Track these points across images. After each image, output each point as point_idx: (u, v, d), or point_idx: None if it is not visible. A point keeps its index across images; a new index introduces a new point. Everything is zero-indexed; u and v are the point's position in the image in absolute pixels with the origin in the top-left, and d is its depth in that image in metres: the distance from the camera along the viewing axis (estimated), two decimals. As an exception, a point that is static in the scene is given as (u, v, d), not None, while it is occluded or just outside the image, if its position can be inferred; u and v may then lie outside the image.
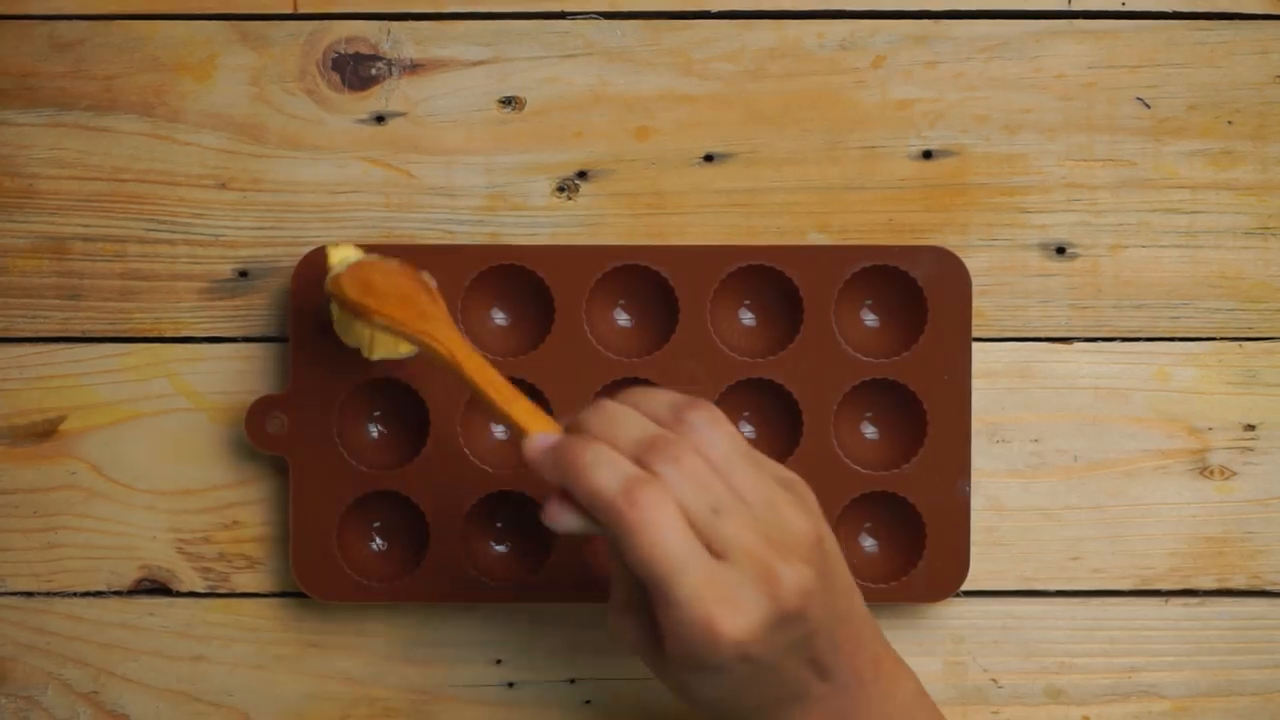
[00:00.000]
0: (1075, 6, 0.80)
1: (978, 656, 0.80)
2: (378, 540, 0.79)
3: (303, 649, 0.81)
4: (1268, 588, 0.80)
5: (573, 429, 0.62)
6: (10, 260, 0.80)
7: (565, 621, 0.80)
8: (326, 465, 0.77)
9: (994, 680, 0.80)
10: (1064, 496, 0.80)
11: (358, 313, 0.69)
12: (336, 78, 0.80)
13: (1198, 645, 0.80)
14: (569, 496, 0.61)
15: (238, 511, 0.80)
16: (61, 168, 0.80)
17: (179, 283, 0.80)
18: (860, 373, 0.77)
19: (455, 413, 0.77)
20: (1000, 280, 0.80)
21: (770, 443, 0.78)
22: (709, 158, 0.80)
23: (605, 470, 0.59)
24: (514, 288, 0.77)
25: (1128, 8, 0.80)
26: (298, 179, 0.80)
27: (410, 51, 0.80)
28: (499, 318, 0.79)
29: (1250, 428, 0.80)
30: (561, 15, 0.80)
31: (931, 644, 0.80)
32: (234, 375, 0.80)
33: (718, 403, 0.77)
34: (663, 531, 0.58)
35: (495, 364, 0.77)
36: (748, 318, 0.79)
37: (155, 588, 0.81)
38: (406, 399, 0.77)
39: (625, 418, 0.61)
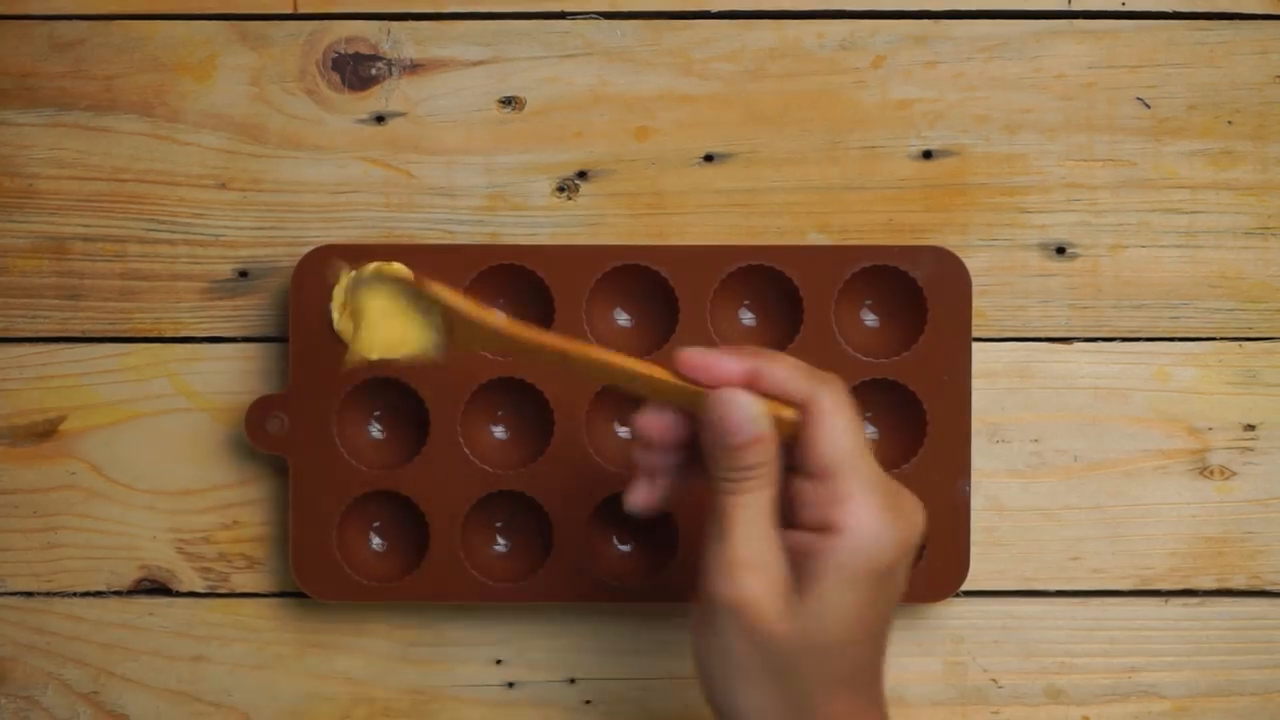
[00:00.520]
0: (1075, 6, 0.80)
1: (978, 656, 0.80)
2: (378, 540, 0.79)
3: (303, 649, 0.81)
4: (1268, 588, 0.80)
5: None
6: (10, 260, 0.80)
7: (565, 621, 0.80)
8: (326, 465, 0.77)
9: (994, 680, 0.80)
10: (1064, 496, 0.80)
11: (453, 316, 0.63)
12: (336, 78, 0.80)
13: (1198, 645, 0.80)
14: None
15: (238, 511, 0.80)
16: (61, 168, 0.80)
17: (179, 283, 0.80)
18: (860, 373, 0.77)
19: (455, 412, 0.77)
20: (1000, 280, 0.80)
21: None
22: (709, 158, 0.80)
23: (792, 368, 0.62)
24: (514, 288, 0.77)
25: (1128, 8, 0.80)
26: (298, 179, 0.80)
27: (410, 51, 0.80)
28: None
29: (1250, 428, 0.80)
30: (561, 15, 0.80)
31: (931, 644, 0.80)
32: (234, 375, 0.80)
33: None
34: (851, 419, 0.61)
35: (495, 364, 0.77)
36: (748, 318, 0.79)
37: (155, 588, 0.81)
38: (406, 399, 0.77)
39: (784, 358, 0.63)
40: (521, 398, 0.77)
